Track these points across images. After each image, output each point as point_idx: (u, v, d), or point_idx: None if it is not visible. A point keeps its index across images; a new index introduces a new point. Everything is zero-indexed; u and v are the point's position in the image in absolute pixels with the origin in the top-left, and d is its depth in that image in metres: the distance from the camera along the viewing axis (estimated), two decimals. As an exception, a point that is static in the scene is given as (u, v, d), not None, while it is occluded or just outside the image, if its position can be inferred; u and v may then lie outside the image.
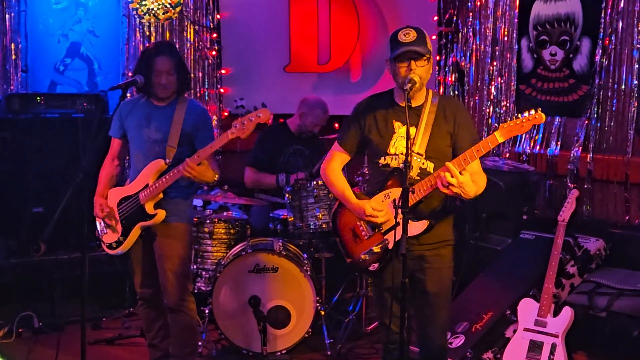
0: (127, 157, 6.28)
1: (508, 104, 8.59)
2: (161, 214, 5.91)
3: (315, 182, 7.14)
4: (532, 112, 4.68)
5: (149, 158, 5.93)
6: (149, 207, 5.89)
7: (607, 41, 7.48)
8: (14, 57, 8.45)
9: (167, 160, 5.86)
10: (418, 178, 4.96)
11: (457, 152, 4.99)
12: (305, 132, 8.10)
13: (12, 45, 8.44)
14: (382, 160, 5.08)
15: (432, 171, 5.00)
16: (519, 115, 4.73)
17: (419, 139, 4.99)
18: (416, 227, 4.97)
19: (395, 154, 5.05)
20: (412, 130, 4.98)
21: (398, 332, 4.87)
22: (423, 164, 5.01)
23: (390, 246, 5.02)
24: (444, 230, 5.16)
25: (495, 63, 8.77)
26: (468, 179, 4.72)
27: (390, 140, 5.06)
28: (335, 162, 5.31)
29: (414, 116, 5.03)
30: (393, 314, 4.92)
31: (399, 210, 4.58)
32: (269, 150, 8.01)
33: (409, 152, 4.70)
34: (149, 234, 6.05)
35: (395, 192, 4.97)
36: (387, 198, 5.02)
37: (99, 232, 6.17)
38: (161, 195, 5.91)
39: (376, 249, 4.74)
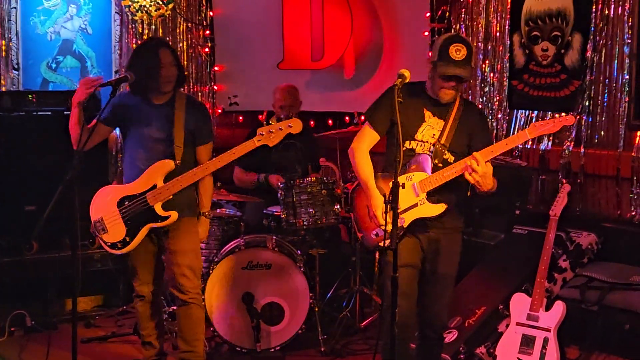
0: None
1: (500, 100, 8.58)
2: (174, 215, 5.90)
3: (308, 179, 7.16)
4: (564, 114, 4.91)
5: (152, 157, 5.91)
6: (159, 208, 5.88)
7: (598, 36, 7.49)
8: (4, 54, 8.41)
9: (177, 162, 5.86)
10: (441, 165, 5.21)
11: (471, 153, 5.17)
12: (285, 119, 8.06)
13: (3, 42, 8.41)
14: (406, 144, 5.27)
15: (452, 163, 5.22)
16: (551, 116, 4.95)
17: (447, 132, 5.25)
18: (433, 210, 5.22)
19: (421, 141, 5.26)
20: (441, 122, 5.27)
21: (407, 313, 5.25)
22: (445, 154, 5.25)
23: (405, 225, 5.16)
24: (459, 217, 5.44)
25: (487, 59, 8.77)
26: (491, 171, 4.96)
27: (418, 127, 5.27)
28: (365, 142, 5.44)
29: (444, 110, 5.28)
30: (403, 293, 5.08)
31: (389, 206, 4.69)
32: (258, 148, 7.96)
33: (400, 145, 4.89)
34: (157, 231, 6.05)
35: (418, 176, 5.21)
36: (409, 180, 5.18)
37: (96, 229, 6.06)
38: (171, 196, 5.90)
39: (389, 228, 4.78)
